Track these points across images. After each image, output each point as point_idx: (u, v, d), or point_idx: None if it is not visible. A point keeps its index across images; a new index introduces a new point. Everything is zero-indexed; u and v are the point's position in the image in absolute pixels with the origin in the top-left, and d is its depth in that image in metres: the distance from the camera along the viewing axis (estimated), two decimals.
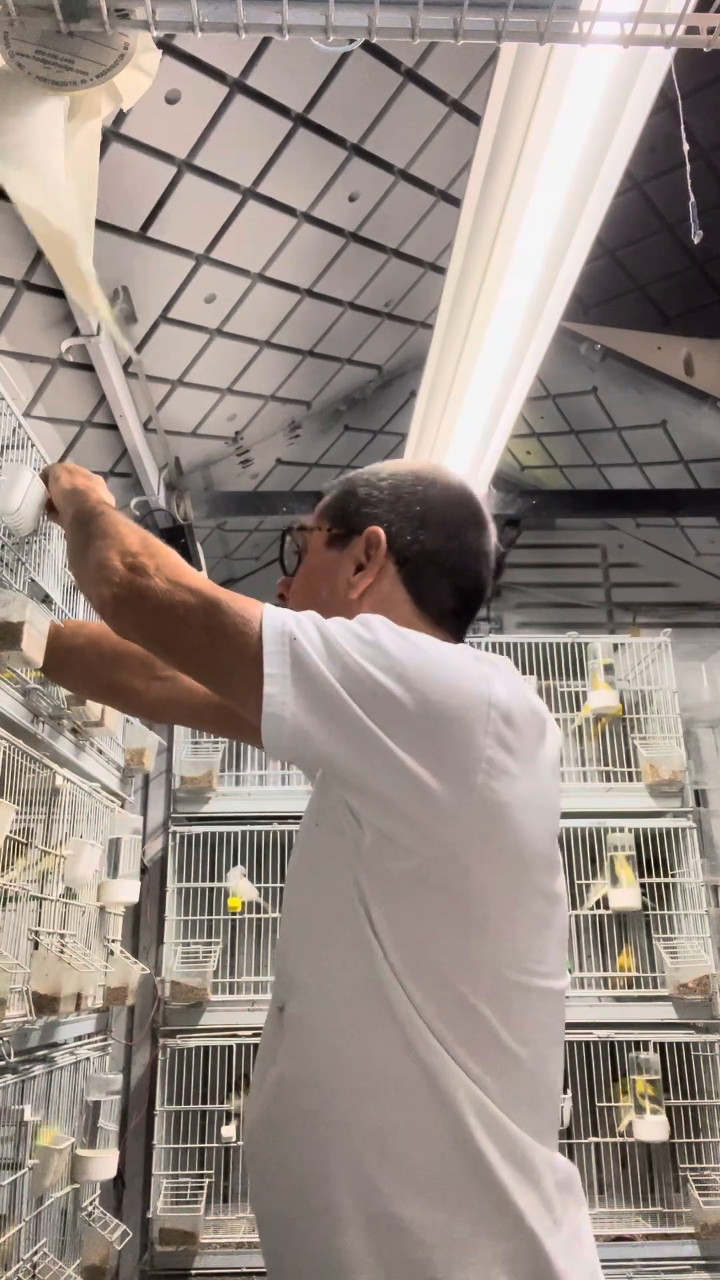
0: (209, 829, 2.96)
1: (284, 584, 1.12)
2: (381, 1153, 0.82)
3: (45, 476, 1.22)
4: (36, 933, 1.97)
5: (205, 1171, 2.83)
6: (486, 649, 3.26)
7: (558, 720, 3.25)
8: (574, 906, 3.06)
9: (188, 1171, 2.82)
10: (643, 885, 2.95)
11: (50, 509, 1.35)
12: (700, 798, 3.26)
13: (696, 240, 1.37)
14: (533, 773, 0.89)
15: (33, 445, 1.95)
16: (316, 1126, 0.85)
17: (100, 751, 2.51)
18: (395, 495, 1.06)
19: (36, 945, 1.96)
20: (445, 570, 1.05)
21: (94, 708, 2.16)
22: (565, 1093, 2.64)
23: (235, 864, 2.95)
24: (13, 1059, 1.83)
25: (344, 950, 0.86)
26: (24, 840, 1.93)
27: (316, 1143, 0.85)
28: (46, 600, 2.11)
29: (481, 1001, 0.83)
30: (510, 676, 0.94)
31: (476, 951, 0.85)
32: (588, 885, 3.03)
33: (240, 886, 2.92)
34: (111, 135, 1.83)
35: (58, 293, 2.05)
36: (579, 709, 3.25)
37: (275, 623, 0.86)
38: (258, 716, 0.82)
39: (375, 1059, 0.84)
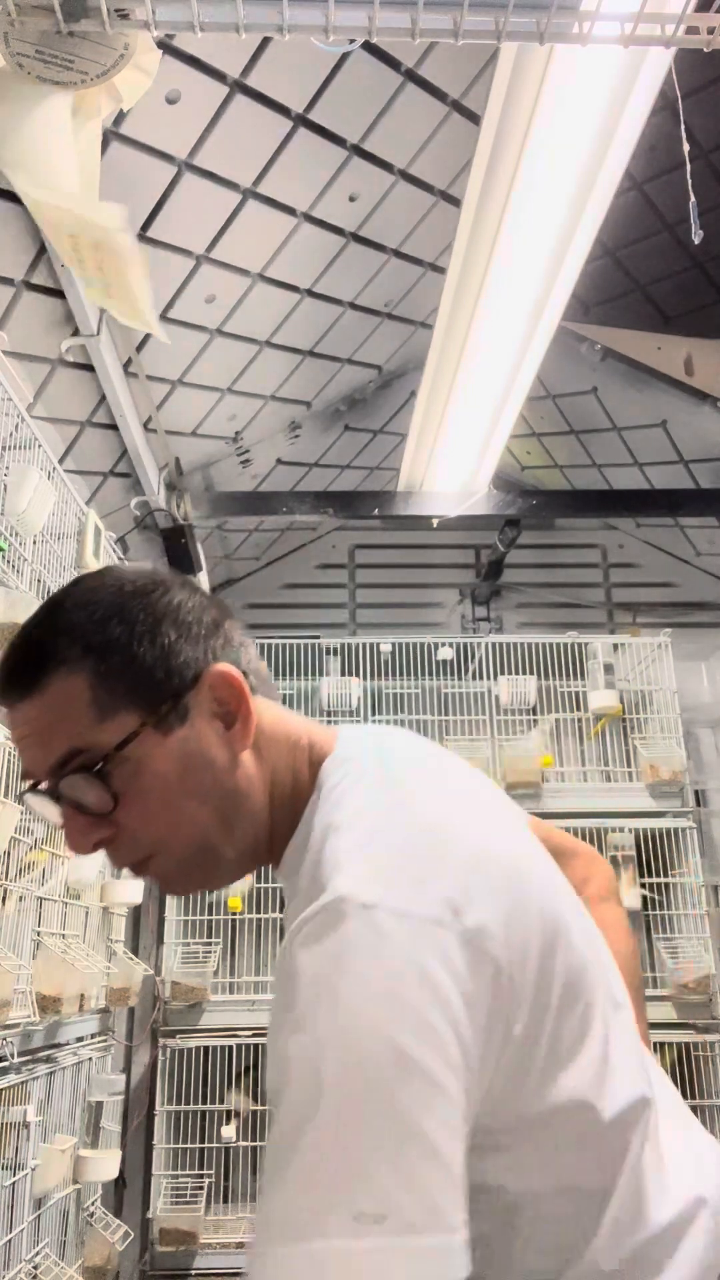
0: None
1: (86, 828, 0.77)
2: None
3: None
4: (40, 933, 1.97)
5: (205, 1171, 2.83)
6: (487, 649, 3.27)
7: (557, 721, 3.25)
8: None
9: (188, 1171, 2.82)
10: (643, 885, 2.95)
11: None
12: (700, 798, 3.26)
13: (697, 240, 1.38)
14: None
15: (39, 445, 1.95)
16: None
17: None
18: (174, 620, 0.80)
19: (39, 946, 1.97)
20: (250, 649, 0.87)
21: None
22: None
23: None
24: (16, 1059, 1.82)
25: None
26: (29, 841, 1.93)
27: None
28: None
29: None
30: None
31: None
32: None
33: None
34: (111, 135, 1.83)
35: (58, 293, 2.04)
36: (579, 709, 3.26)
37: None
38: None
39: None
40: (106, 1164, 2.26)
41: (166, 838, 0.78)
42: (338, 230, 2.42)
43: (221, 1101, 2.81)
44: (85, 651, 0.77)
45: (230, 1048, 2.79)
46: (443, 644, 3.30)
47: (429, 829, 0.72)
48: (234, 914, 2.99)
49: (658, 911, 3.02)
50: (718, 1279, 0.75)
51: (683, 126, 1.42)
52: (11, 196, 1.79)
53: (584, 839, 3.14)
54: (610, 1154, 0.74)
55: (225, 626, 0.84)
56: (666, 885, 3.05)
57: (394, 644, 3.30)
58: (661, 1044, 2.79)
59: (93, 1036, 2.48)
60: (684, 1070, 2.81)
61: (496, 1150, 0.71)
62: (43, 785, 0.78)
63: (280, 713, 0.86)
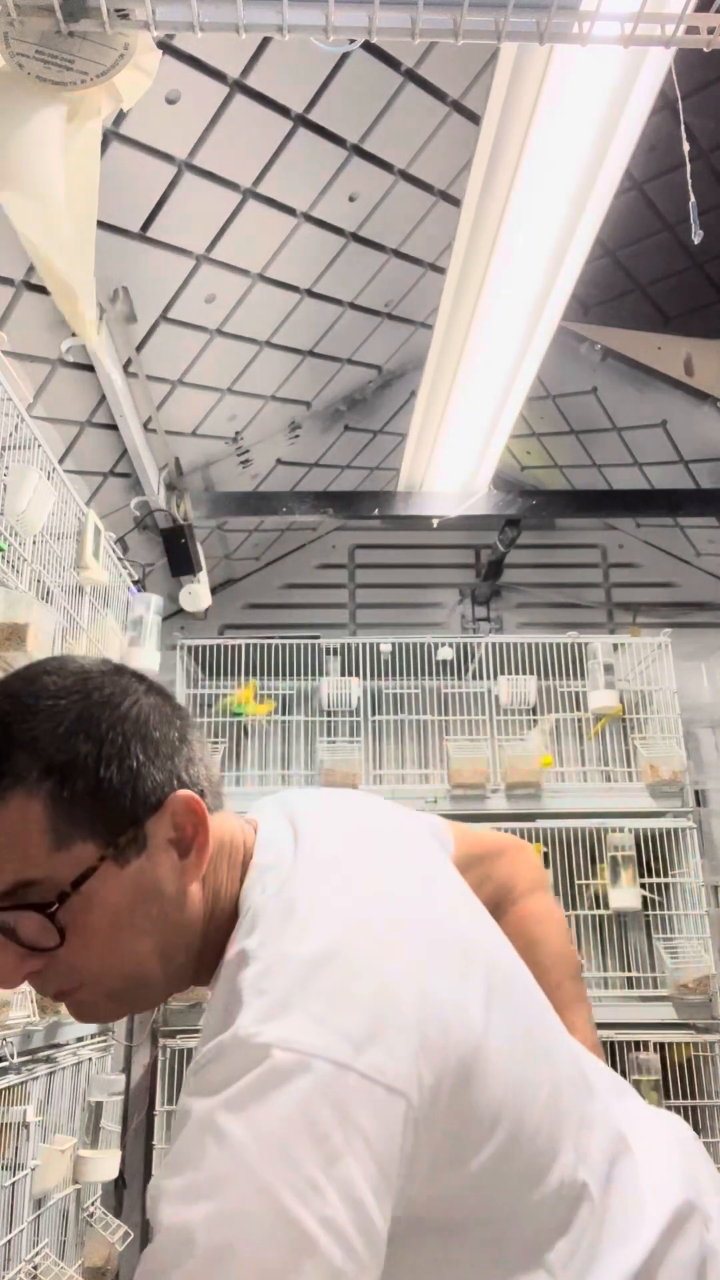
0: None
1: (19, 960, 0.71)
2: None
3: None
4: None
5: None
6: (487, 649, 3.27)
7: (558, 721, 3.25)
8: (574, 907, 3.07)
9: None
10: (643, 885, 2.95)
11: None
12: (700, 798, 3.26)
13: (696, 240, 1.38)
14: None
15: (39, 445, 1.95)
16: None
17: None
18: (143, 738, 0.74)
19: None
20: (209, 760, 0.82)
21: None
22: None
23: None
24: (16, 1059, 1.82)
25: None
26: None
27: None
28: (50, 599, 2.11)
29: None
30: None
31: None
32: (587, 885, 3.04)
33: None
34: (111, 135, 1.83)
35: None
36: (579, 709, 3.26)
37: None
38: None
39: None
40: (106, 1164, 2.26)
41: (102, 971, 0.73)
42: (338, 230, 2.42)
43: None
44: (46, 772, 0.69)
45: None
46: (443, 644, 3.30)
47: (335, 962, 0.67)
48: None
49: (658, 911, 3.02)
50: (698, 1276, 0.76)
51: (683, 126, 1.42)
52: None
53: (584, 839, 3.15)
54: (561, 1233, 0.72)
55: (190, 740, 0.79)
56: (666, 885, 3.05)
57: (394, 644, 3.30)
58: (662, 1044, 2.79)
59: (92, 1037, 2.48)
60: (684, 1070, 2.81)
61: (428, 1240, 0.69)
62: None
63: (224, 825, 0.82)
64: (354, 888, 0.74)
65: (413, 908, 0.75)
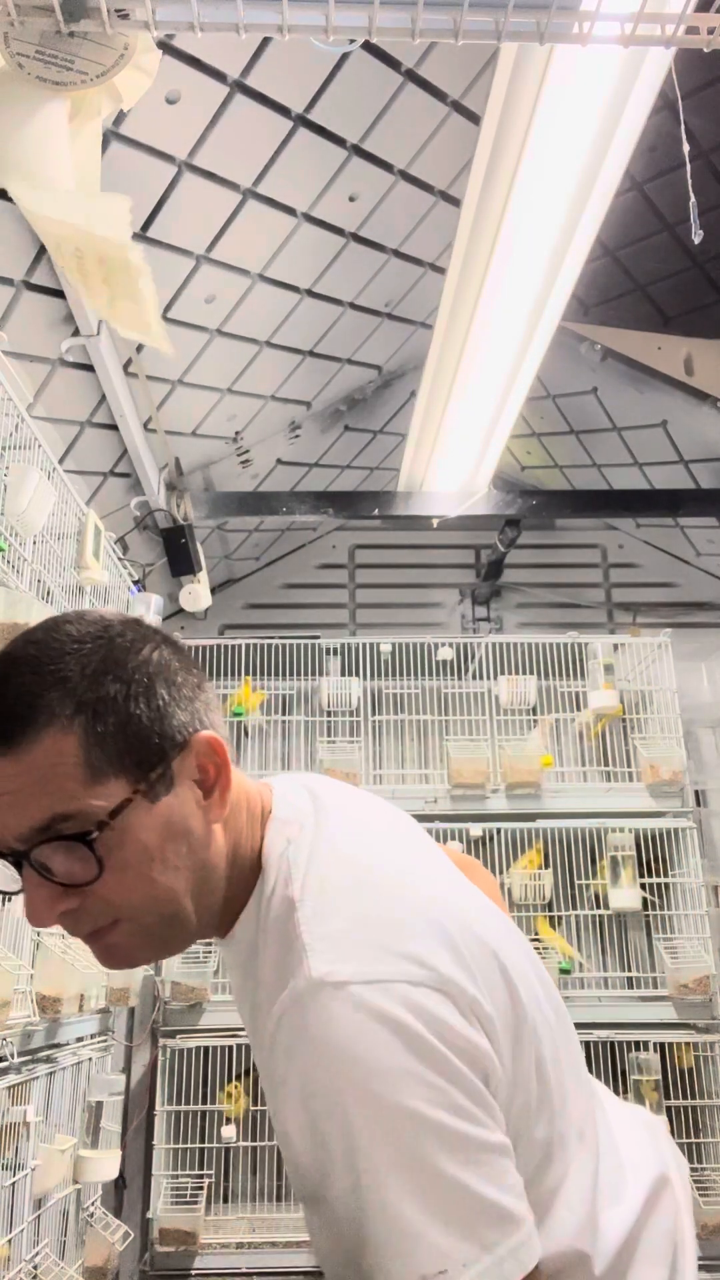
0: None
1: (54, 897, 0.72)
2: None
3: None
4: (40, 934, 1.97)
5: (205, 1172, 2.83)
6: (487, 649, 3.27)
7: (557, 720, 3.25)
8: (574, 907, 3.07)
9: (188, 1172, 2.82)
10: (643, 885, 2.95)
11: None
12: (700, 798, 3.26)
13: (697, 240, 1.38)
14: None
15: (39, 445, 1.96)
16: None
17: None
18: (166, 680, 0.76)
19: (39, 946, 1.96)
20: (220, 710, 0.84)
21: None
22: None
23: None
24: (16, 1059, 1.82)
25: None
26: None
27: None
28: (51, 599, 2.11)
29: None
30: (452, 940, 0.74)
31: None
32: (588, 885, 3.04)
33: None
34: (111, 135, 1.83)
35: (58, 293, 2.04)
36: (579, 709, 3.26)
37: None
38: None
39: None
40: (106, 1164, 2.26)
41: (137, 907, 0.74)
42: (338, 230, 2.42)
43: (222, 1101, 2.81)
44: (78, 709, 0.71)
45: (230, 1048, 2.79)
46: (443, 644, 3.30)
47: (382, 892, 0.76)
48: None
49: (658, 911, 3.02)
50: (674, 1246, 0.84)
51: (683, 126, 1.43)
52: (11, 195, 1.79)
53: (584, 839, 3.15)
54: (567, 1163, 0.79)
55: (205, 688, 0.81)
56: (666, 885, 3.05)
57: (394, 644, 3.30)
58: (662, 1044, 2.79)
59: (93, 1036, 2.48)
60: (684, 1070, 2.81)
61: None
62: (7, 849, 0.72)
63: (241, 779, 0.84)
64: (379, 833, 0.85)
65: (425, 845, 0.88)
